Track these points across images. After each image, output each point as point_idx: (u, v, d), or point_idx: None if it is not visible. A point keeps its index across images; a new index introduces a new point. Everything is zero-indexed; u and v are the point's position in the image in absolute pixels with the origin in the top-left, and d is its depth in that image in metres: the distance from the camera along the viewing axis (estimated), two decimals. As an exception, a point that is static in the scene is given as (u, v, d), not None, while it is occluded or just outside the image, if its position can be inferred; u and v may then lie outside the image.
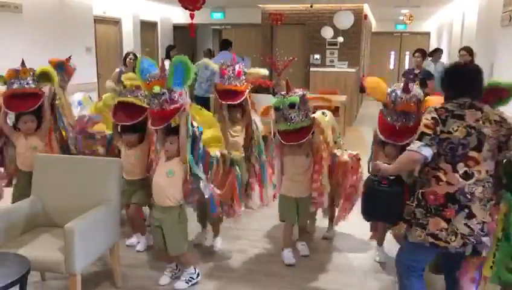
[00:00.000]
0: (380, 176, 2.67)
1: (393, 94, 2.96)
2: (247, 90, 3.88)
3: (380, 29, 16.12)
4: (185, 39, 12.86)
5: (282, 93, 3.30)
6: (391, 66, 16.38)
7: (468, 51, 6.22)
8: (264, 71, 4.07)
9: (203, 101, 7.57)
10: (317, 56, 10.92)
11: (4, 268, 2.25)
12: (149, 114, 2.96)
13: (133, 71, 4.99)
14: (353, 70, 10.09)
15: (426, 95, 4.66)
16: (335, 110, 8.10)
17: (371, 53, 15.35)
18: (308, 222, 3.81)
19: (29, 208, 2.96)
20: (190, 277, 3.15)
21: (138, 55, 7.44)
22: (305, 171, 3.43)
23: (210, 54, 8.20)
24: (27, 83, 3.42)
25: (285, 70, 8.49)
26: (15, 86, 3.38)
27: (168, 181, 2.94)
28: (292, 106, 3.19)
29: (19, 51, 6.90)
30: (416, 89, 2.98)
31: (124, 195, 3.34)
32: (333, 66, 10.56)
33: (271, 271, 3.39)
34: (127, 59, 7.19)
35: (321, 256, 3.64)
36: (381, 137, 3.02)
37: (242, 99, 3.79)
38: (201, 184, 3.01)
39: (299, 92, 3.27)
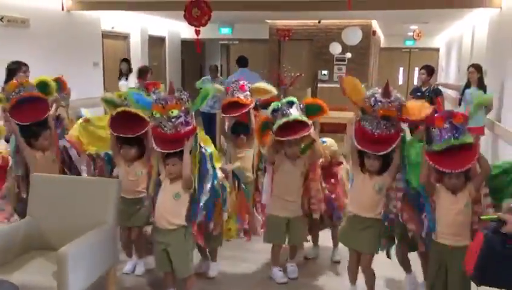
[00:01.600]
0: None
1: (373, 98, 2.76)
2: (252, 105, 3.85)
3: (388, 45, 16.04)
4: (193, 54, 12.84)
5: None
6: (400, 82, 16.27)
7: (477, 68, 6.10)
8: (271, 88, 4.00)
9: (208, 117, 7.54)
10: (325, 72, 10.85)
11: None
12: (155, 136, 2.86)
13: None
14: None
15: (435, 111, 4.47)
16: (343, 127, 7.99)
17: (379, 69, 15.25)
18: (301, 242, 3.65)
19: (25, 230, 2.88)
20: None
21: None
22: (298, 190, 3.33)
23: (216, 71, 8.15)
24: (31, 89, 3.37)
25: (292, 86, 8.46)
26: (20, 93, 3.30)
27: (175, 204, 2.89)
28: (291, 103, 3.16)
29: (26, 61, 6.93)
30: (395, 93, 2.80)
31: (123, 216, 3.23)
32: (341, 82, 10.46)
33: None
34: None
35: (322, 279, 3.49)
36: (359, 147, 2.82)
37: (244, 110, 3.79)
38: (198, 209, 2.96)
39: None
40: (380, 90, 2.78)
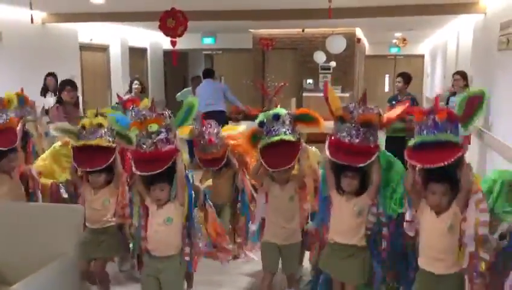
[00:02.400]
0: None
1: (351, 106, 2.63)
2: (226, 152, 3.75)
3: (373, 53, 16.00)
4: (177, 65, 12.68)
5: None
6: (386, 89, 16.20)
7: (463, 75, 6.00)
8: (241, 127, 4.00)
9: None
10: (310, 81, 10.71)
11: None
12: (135, 158, 2.66)
13: (139, 98, 4.86)
14: (347, 94, 9.86)
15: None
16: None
17: (365, 76, 15.19)
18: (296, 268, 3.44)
19: (-25, 263, 2.63)
20: None
21: (136, 82, 7.20)
22: (289, 215, 3.06)
23: (199, 82, 7.92)
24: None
25: (276, 95, 8.27)
26: None
27: (167, 229, 2.71)
28: (277, 117, 2.93)
29: (1, 77, 6.68)
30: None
31: (87, 247, 2.98)
32: (326, 91, 10.33)
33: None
34: (133, 86, 6.98)
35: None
36: (334, 159, 2.60)
37: (222, 164, 3.75)
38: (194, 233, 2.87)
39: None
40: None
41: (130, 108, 3.65)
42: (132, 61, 10.76)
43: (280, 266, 3.16)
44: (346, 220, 2.68)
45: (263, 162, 2.94)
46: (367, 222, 2.69)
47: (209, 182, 3.78)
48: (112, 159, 2.99)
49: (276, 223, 3.08)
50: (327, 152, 2.63)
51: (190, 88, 8.12)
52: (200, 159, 3.75)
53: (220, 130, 3.79)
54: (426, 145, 2.30)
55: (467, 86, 5.93)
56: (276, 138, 2.90)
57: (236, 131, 4.00)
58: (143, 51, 11.48)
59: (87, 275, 3.24)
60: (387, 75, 16.33)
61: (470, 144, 6.07)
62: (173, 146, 2.67)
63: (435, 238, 2.36)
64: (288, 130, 2.94)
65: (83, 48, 9.08)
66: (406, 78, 6.13)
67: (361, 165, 2.57)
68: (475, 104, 2.36)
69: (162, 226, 2.69)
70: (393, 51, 15.58)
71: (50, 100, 6.42)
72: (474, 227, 2.24)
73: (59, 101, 5.01)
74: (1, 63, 6.84)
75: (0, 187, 3.11)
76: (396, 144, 3.75)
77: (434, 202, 2.35)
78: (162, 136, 2.62)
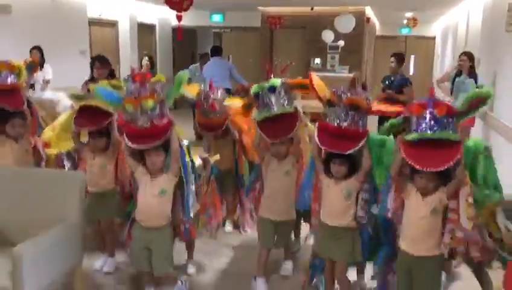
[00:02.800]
0: None
1: (339, 90, 2.60)
2: (227, 120, 3.78)
3: (384, 33, 15.82)
4: (185, 42, 12.65)
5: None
6: (396, 71, 16.05)
7: (469, 56, 5.94)
8: (239, 102, 3.95)
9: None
10: (317, 60, 10.66)
11: None
12: (127, 132, 2.70)
13: (93, 76, 4.96)
14: (351, 75, 9.82)
15: (403, 103, 4.42)
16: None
17: (375, 57, 15.06)
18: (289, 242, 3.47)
19: (-19, 225, 2.73)
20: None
21: (145, 58, 7.26)
22: (284, 191, 3.09)
23: (207, 59, 7.95)
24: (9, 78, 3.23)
25: (282, 75, 8.27)
26: None
27: (161, 201, 2.77)
28: (272, 89, 2.94)
29: (7, 53, 6.74)
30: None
31: (90, 210, 3.09)
32: (333, 71, 10.30)
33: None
34: (143, 62, 7.04)
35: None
36: (322, 147, 2.61)
37: (219, 132, 3.78)
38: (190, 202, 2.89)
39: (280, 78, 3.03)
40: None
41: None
42: (141, 37, 10.77)
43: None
44: (335, 203, 2.69)
45: (262, 134, 2.98)
46: (358, 207, 2.69)
47: (217, 156, 3.79)
48: (107, 122, 3.04)
49: (271, 197, 3.13)
50: (316, 138, 2.62)
51: (198, 64, 8.15)
52: (199, 123, 3.78)
53: (226, 98, 3.80)
54: (424, 142, 2.25)
55: (472, 67, 5.90)
56: (275, 112, 2.93)
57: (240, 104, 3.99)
58: (152, 27, 11.48)
59: (97, 239, 3.42)
60: (397, 57, 16.15)
61: (473, 126, 6.08)
62: (167, 119, 2.71)
63: (417, 220, 2.38)
64: (285, 101, 2.96)
65: (92, 23, 9.10)
66: (399, 58, 6.13)
67: (349, 152, 2.54)
68: (478, 103, 2.32)
69: (156, 198, 2.74)
70: (404, 31, 15.40)
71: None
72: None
73: (92, 78, 5.06)
74: (10, 37, 6.90)
75: (5, 153, 3.19)
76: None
77: (421, 185, 2.35)
78: (157, 111, 2.65)
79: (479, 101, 2.32)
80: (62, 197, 2.75)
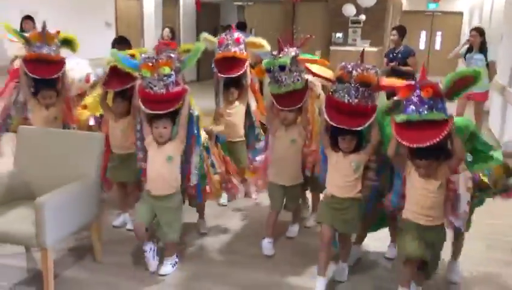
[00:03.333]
0: None
1: (349, 66, 2.63)
2: (247, 62, 3.79)
3: (411, 8, 15.54)
4: (209, 15, 12.73)
5: (274, 53, 3.13)
6: (421, 47, 15.82)
7: (480, 31, 5.95)
8: (265, 43, 3.91)
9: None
10: (339, 35, 10.61)
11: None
12: (142, 98, 2.83)
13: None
14: (375, 49, 9.77)
15: (409, 73, 4.50)
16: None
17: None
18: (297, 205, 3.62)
19: (10, 180, 3.00)
20: (175, 261, 3.12)
21: (167, 29, 7.43)
22: (290, 158, 3.23)
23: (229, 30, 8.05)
24: (53, 50, 3.45)
25: (301, 48, 8.33)
26: (42, 50, 3.37)
27: (168, 168, 2.90)
28: (282, 68, 2.99)
29: (38, 21, 7.00)
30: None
31: (116, 171, 3.30)
32: (355, 45, 10.25)
33: (256, 253, 3.32)
34: (164, 34, 7.27)
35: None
36: (333, 123, 2.62)
37: (240, 72, 3.72)
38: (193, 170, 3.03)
39: (292, 51, 3.05)
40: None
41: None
42: (165, 10, 10.92)
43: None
44: (344, 176, 2.75)
45: (275, 102, 3.10)
46: (367, 178, 2.78)
47: (221, 127, 3.86)
48: (130, 85, 3.16)
49: (278, 164, 3.27)
50: (325, 114, 2.66)
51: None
52: (218, 61, 3.75)
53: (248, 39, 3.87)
54: (413, 123, 2.32)
55: (483, 42, 5.89)
56: (285, 90, 3.03)
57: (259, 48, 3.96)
58: (176, 0, 11.60)
59: (121, 199, 3.64)
60: (423, 32, 15.89)
61: (487, 99, 6.09)
62: (181, 87, 2.85)
63: (423, 198, 2.47)
64: (295, 78, 3.03)
65: (118, -5, 9.30)
66: (401, 31, 6.24)
67: (360, 128, 2.60)
68: (467, 83, 2.36)
69: (164, 165, 2.86)
70: (432, 7, 15.10)
71: None
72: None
73: None
74: (40, 7, 7.15)
75: (36, 119, 3.44)
76: None
77: (421, 166, 2.43)
78: (173, 78, 2.79)
79: (465, 81, 2.36)
80: (82, 156, 2.98)
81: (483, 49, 5.85)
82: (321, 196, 3.10)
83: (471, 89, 2.40)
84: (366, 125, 2.60)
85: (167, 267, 3.05)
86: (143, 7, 10.33)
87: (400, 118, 2.37)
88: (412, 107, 2.33)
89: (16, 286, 2.90)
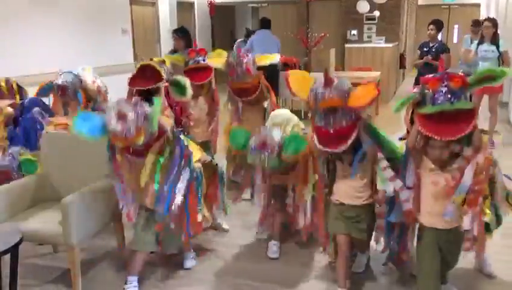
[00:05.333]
0: None
1: (315, 91, 2.55)
2: (260, 83, 3.96)
3: (427, 2, 15.41)
4: (223, 19, 12.85)
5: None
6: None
7: (493, 22, 5.89)
8: (275, 57, 4.17)
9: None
10: (354, 32, 10.61)
11: (-4, 238, 2.39)
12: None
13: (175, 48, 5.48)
14: (390, 45, 9.74)
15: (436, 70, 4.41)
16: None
17: (417, 27, 14.73)
18: None
19: (37, 182, 3.13)
20: (193, 254, 3.23)
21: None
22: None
23: (249, 34, 8.14)
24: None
25: (316, 46, 8.38)
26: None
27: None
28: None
29: (55, 33, 7.21)
30: (340, 81, 2.55)
31: None
32: (370, 42, 10.24)
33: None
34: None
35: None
36: (321, 148, 2.59)
37: (256, 94, 3.94)
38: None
39: None
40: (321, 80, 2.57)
41: (193, 58, 4.01)
42: (180, 15, 11.07)
43: None
44: (350, 185, 2.74)
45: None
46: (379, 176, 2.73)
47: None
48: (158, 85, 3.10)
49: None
50: (315, 141, 2.60)
51: (243, 40, 8.29)
52: (233, 89, 3.95)
53: (255, 58, 3.93)
54: (440, 114, 2.29)
55: (496, 33, 5.85)
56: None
57: (269, 61, 4.09)
58: (190, 4, 11.74)
59: None
60: (440, 26, 15.73)
61: (501, 92, 6.05)
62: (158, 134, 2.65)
63: (436, 193, 2.45)
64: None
65: (133, 2, 9.45)
66: (439, 25, 6.26)
67: (341, 150, 2.54)
68: (489, 78, 2.36)
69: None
70: (448, 0, 14.96)
71: None
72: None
73: (173, 50, 5.65)
74: (59, 17, 7.35)
75: None
76: None
77: (435, 156, 2.41)
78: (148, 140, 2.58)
79: (490, 77, 2.36)
80: (105, 157, 3.06)
81: (495, 40, 5.81)
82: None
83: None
84: (348, 145, 2.52)
85: (190, 262, 3.18)
86: (158, 13, 10.48)
87: (430, 109, 2.32)
88: (442, 97, 2.30)
89: (45, 285, 3.02)
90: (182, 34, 5.56)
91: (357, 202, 2.75)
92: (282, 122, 3.14)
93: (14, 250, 2.34)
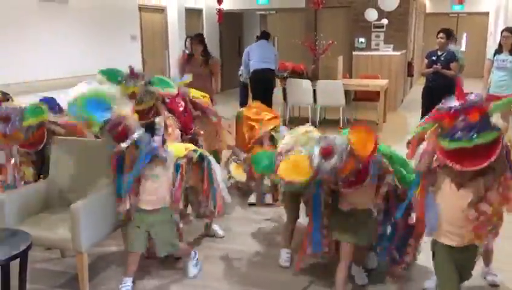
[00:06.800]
0: None
1: (315, 160, 2.47)
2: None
3: (435, 10, 15.43)
4: (232, 25, 12.92)
5: None
6: (446, 49, 15.63)
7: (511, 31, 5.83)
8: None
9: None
10: (362, 39, 10.62)
11: (6, 243, 2.40)
12: None
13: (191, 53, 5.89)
14: (398, 53, 9.74)
15: (451, 77, 4.39)
16: (375, 95, 7.92)
17: (424, 35, 14.73)
18: None
19: (46, 188, 3.15)
20: (195, 261, 3.22)
21: (188, 40, 7.64)
22: None
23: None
24: None
25: (324, 54, 8.39)
26: None
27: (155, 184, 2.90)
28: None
29: (65, 40, 7.27)
30: (338, 140, 2.45)
31: None
32: (378, 50, 10.25)
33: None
34: (187, 43, 7.54)
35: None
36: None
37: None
38: None
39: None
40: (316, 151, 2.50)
41: None
42: (188, 22, 11.14)
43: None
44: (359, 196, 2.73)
45: None
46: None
47: None
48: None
49: None
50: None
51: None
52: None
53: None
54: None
55: None
56: None
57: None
58: (199, 11, 11.82)
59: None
60: (448, 34, 15.71)
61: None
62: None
63: (455, 213, 2.38)
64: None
65: (142, 9, 9.54)
66: (449, 34, 6.16)
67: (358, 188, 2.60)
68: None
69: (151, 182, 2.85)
70: (456, 8, 14.95)
71: None
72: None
73: (190, 54, 6.06)
74: (68, 24, 7.42)
75: None
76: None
77: (453, 176, 2.32)
78: None
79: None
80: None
81: None
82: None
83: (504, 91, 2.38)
84: (365, 183, 2.58)
85: (192, 270, 3.18)
86: (167, 20, 10.56)
87: (449, 145, 2.17)
88: (460, 133, 2.13)
89: (53, 289, 3.03)
90: (200, 40, 5.97)
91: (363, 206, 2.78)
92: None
93: (23, 255, 2.36)
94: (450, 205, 2.40)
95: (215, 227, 3.76)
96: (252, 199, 4.40)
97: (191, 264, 3.20)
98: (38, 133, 3.26)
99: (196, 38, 6.00)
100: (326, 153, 2.42)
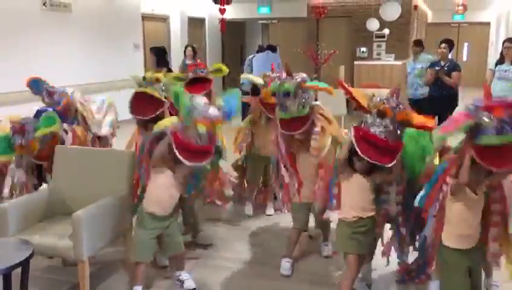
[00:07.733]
0: None
1: (391, 102, 2.57)
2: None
3: (436, 20, 15.48)
4: (234, 35, 12.98)
5: (282, 78, 3.11)
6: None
7: None
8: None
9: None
10: (363, 49, 10.67)
11: (8, 252, 2.41)
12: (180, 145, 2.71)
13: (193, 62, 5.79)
14: (399, 62, 9.77)
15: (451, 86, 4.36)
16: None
17: (426, 45, 14.69)
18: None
19: (48, 196, 3.16)
20: (188, 274, 3.15)
21: (189, 48, 7.69)
22: (314, 173, 3.18)
23: (262, 51, 8.27)
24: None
25: (326, 63, 8.44)
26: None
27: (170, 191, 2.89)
28: (286, 94, 3.00)
29: (68, 48, 7.33)
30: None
31: None
32: (379, 59, 10.29)
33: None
34: (187, 52, 7.59)
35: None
36: (366, 158, 2.53)
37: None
38: None
39: (298, 77, 3.03)
40: None
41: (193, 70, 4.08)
42: (191, 31, 11.21)
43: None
44: (361, 195, 2.74)
45: (279, 126, 3.11)
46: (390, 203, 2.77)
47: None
48: (159, 112, 3.30)
49: (304, 179, 3.22)
50: (357, 149, 2.50)
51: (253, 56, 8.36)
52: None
53: None
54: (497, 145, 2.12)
55: None
56: (287, 116, 3.03)
57: None
58: (201, 21, 11.89)
59: None
60: (449, 44, 15.76)
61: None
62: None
63: (470, 216, 2.38)
64: (299, 105, 3.00)
65: (145, 18, 9.61)
66: (451, 44, 6.25)
67: (390, 165, 2.52)
68: None
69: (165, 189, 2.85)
70: (457, 18, 15.00)
71: None
72: None
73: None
74: (72, 33, 7.48)
75: None
76: None
77: (473, 181, 2.28)
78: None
79: None
80: (114, 172, 3.11)
81: None
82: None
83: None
84: (395, 161, 2.52)
85: (189, 282, 3.08)
86: (170, 28, 10.62)
87: (495, 139, 2.11)
88: (508, 127, 2.10)
89: (54, 298, 3.03)
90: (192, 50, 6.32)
91: (369, 213, 2.76)
92: None
93: (25, 264, 2.37)
94: (468, 208, 2.36)
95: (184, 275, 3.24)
96: (249, 210, 4.35)
97: (184, 275, 3.09)
98: (52, 143, 3.28)
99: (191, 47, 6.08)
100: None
